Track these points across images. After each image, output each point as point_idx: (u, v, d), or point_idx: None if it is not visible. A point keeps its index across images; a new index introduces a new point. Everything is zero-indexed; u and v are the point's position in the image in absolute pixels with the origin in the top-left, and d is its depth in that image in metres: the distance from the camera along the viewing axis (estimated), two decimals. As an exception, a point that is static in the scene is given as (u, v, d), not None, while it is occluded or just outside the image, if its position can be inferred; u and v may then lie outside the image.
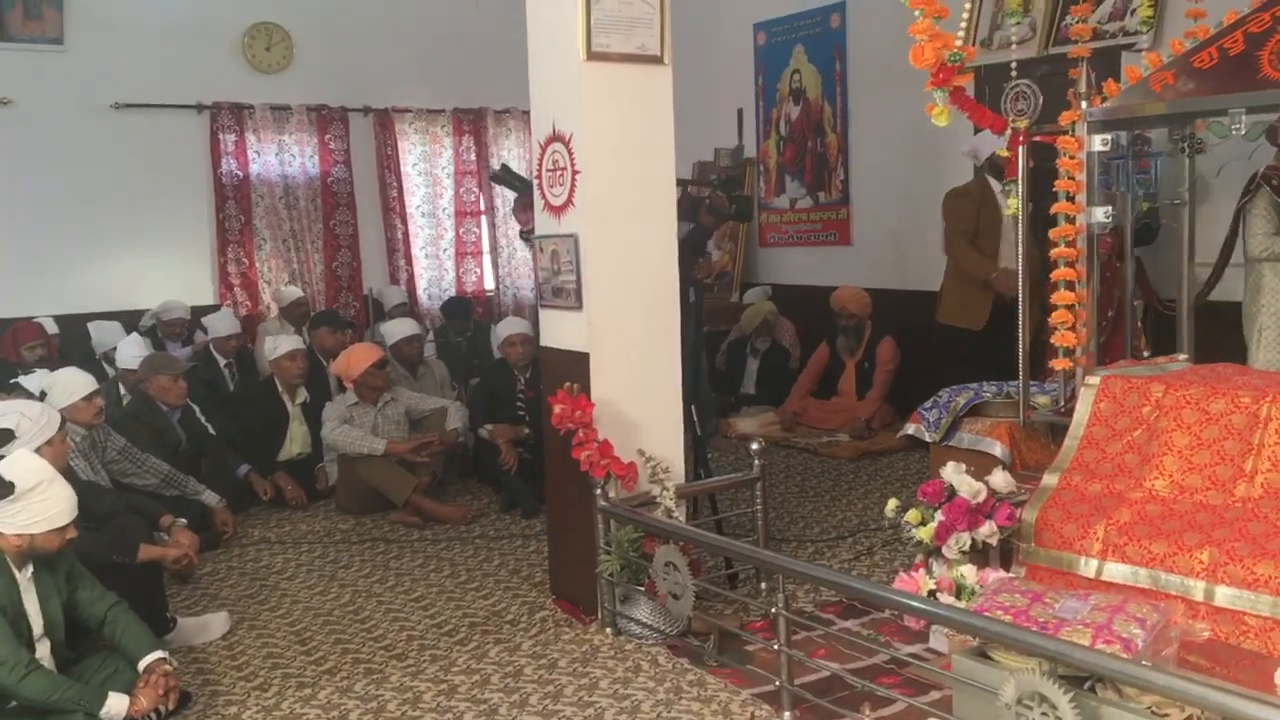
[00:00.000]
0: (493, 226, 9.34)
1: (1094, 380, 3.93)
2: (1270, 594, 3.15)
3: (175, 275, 8.14)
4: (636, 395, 4.22)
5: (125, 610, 3.47)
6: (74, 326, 7.42)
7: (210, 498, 5.41)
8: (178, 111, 8.14)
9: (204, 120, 8.26)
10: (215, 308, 7.96)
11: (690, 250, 4.92)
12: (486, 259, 9.37)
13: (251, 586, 4.88)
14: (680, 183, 5.04)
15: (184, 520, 4.68)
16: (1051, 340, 4.18)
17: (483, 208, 9.30)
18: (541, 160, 4.31)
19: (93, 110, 7.84)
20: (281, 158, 8.47)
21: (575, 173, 4.12)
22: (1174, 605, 3.28)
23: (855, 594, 3.96)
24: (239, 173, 8.35)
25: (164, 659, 3.40)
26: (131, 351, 6.08)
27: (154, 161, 8.04)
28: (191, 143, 8.25)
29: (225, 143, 8.30)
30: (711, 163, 8.16)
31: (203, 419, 6.18)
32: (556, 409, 4.04)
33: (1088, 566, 3.56)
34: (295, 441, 6.30)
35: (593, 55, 4.05)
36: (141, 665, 3.36)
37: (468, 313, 8.28)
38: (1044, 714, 2.66)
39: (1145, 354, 4.65)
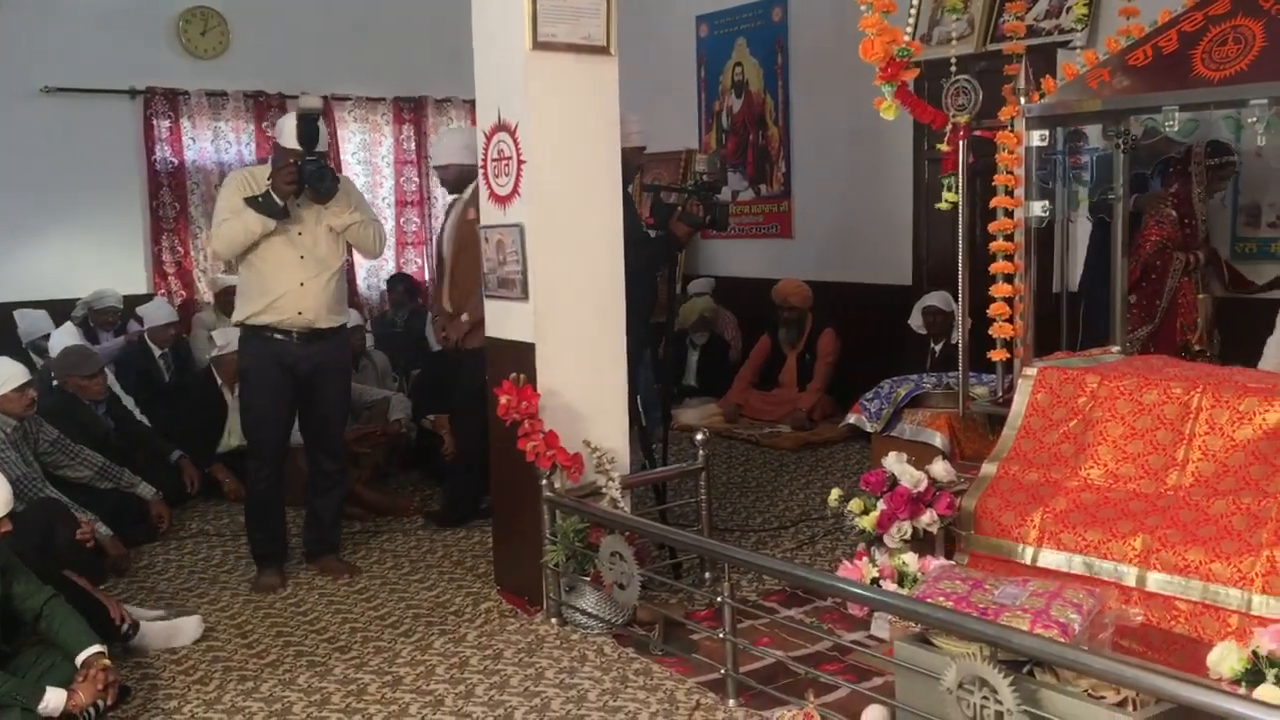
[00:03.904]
0: (431, 216, 9.27)
1: (1031, 372, 4.00)
2: (1200, 579, 3.24)
3: (107, 263, 7.95)
4: (582, 386, 4.23)
5: (62, 604, 3.41)
6: (-1, 315, 7.25)
7: (145, 490, 5.32)
8: (110, 96, 7.95)
9: (137, 106, 8.07)
10: (149, 297, 7.82)
11: (653, 259, 4.88)
12: (426, 249, 9.30)
13: (189, 580, 4.82)
14: (653, 187, 5.02)
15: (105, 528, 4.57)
16: (991, 331, 4.24)
17: (423, 197, 9.23)
18: (487, 149, 4.29)
19: (22, 94, 7.61)
20: (217, 144, 8.31)
21: (521, 162, 4.11)
22: (1108, 591, 3.36)
23: (801, 582, 4.00)
24: (174, 160, 8.18)
25: (102, 653, 3.34)
26: (64, 341, 5.96)
27: (85, 147, 7.82)
28: (124, 128, 8.05)
29: (159, 129, 8.13)
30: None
31: (135, 410, 6.07)
32: (502, 400, 4.03)
33: (1024, 553, 3.63)
34: (234, 434, 6.18)
35: (539, 45, 4.04)
36: (79, 659, 3.30)
37: (416, 289, 8.29)
38: (985, 698, 2.72)
39: (1197, 349, 4.70)
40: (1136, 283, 5.14)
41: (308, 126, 4.36)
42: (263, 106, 8.48)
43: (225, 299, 7.72)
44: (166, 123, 8.15)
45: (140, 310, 7.27)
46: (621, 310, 4.33)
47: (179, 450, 5.92)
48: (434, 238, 5.60)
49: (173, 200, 8.20)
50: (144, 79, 8.05)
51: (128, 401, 6.09)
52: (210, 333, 6.74)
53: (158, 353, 6.97)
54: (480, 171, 4.36)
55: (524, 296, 4.17)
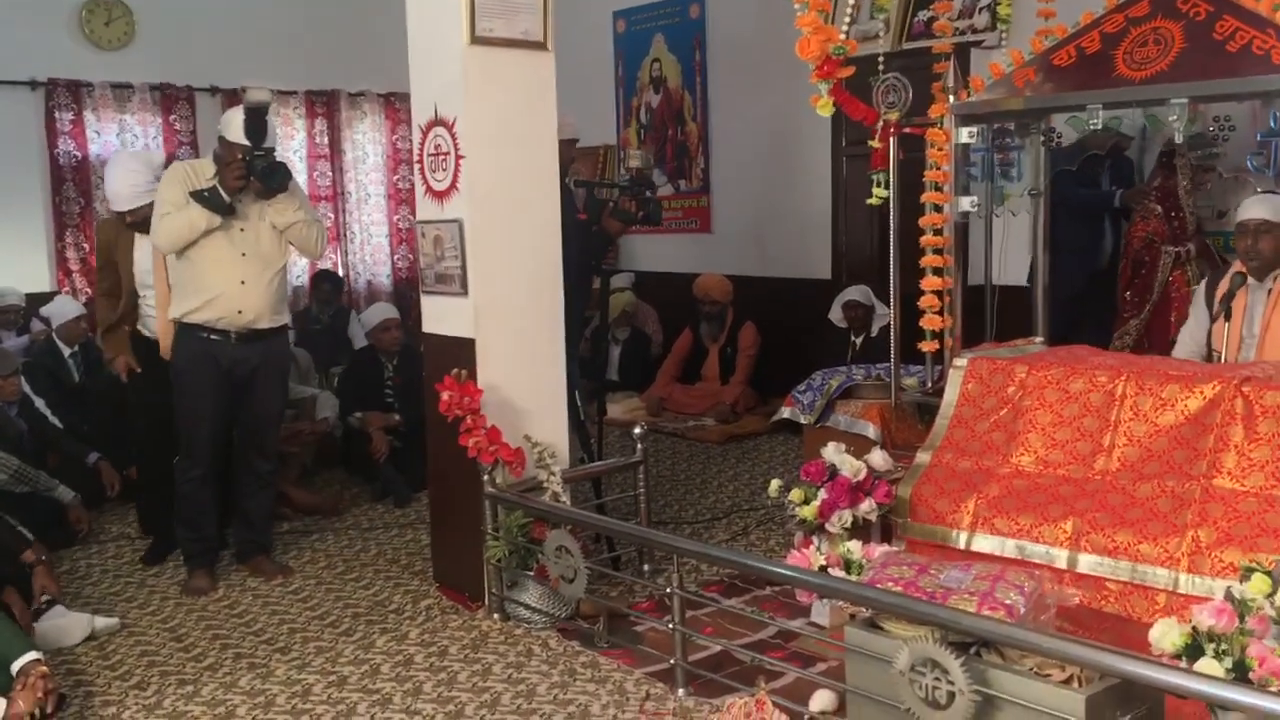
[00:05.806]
0: (344, 212, 9.15)
1: (962, 362, 4.11)
2: (1129, 560, 3.37)
3: (7, 261, 7.68)
4: (522, 381, 4.23)
5: (-6, 612, 3.31)
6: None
7: (64, 493, 5.17)
8: (9, 89, 7.67)
9: (38, 98, 7.82)
10: (53, 294, 7.56)
11: (591, 250, 4.87)
12: (340, 244, 9.17)
13: (115, 584, 4.69)
14: (584, 184, 5.02)
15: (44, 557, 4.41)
16: (921, 323, 4.35)
17: (336, 192, 9.09)
18: (423, 145, 4.26)
19: (-85, 85, 7.35)
20: (123, 138, 8.09)
21: (460, 157, 4.08)
22: (1043, 574, 3.48)
23: (755, 572, 4.01)
24: (77, 153, 7.94)
25: (38, 660, 3.25)
26: (-30, 343, 5.75)
27: (-17, 141, 7.58)
28: (24, 122, 7.78)
29: (62, 121, 7.88)
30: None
31: (46, 411, 5.88)
32: (444, 396, 4.01)
33: (958, 539, 3.73)
34: (152, 434, 6.04)
35: (477, 39, 4.03)
36: (15, 667, 3.21)
37: (341, 286, 8.22)
38: (936, 679, 2.80)
39: None
40: (1129, 279, 5.24)
41: (256, 120, 4.23)
42: (170, 99, 8.28)
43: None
44: (69, 115, 7.91)
45: (45, 310, 7.01)
46: (560, 305, 4.34)
47: (96, 452, 5.75)
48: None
49: (77, 195, 7.97)
50: (45, 70, 7.81)
51: (39, 403, 5.89)
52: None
53: (67, 352, 6.73)
54: (417, 166, 4.32)
55: (463, 292, 4.15)
